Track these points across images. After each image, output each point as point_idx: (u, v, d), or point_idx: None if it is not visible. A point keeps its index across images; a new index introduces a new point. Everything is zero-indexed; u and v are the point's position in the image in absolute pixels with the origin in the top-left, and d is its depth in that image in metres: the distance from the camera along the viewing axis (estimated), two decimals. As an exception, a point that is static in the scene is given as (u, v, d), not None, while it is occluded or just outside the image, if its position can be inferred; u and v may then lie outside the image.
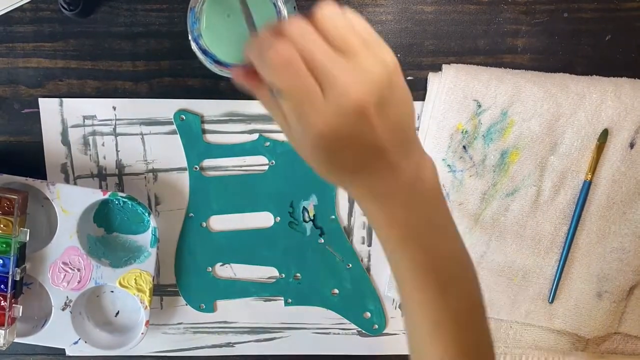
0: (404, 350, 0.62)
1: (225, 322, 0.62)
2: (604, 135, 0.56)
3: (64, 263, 0.57)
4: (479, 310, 0.39)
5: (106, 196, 0.56)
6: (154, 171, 0.60)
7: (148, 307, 0.58)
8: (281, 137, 0.59)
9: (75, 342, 0.58)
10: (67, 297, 0.58)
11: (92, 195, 0.56)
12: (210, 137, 0.59)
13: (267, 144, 0.59)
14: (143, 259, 0.58)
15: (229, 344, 0.62)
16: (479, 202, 0.58)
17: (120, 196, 0.56)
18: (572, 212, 0.58)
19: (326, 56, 0.31)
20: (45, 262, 0.57)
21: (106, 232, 0.61)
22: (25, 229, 0.55)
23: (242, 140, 0.59)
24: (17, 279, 0.55)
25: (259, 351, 0.63)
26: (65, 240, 0.57)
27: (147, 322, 0.58)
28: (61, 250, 0.57)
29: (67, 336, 0.58)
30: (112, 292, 0.62)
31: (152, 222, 0.58)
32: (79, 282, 0.58)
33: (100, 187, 0.60)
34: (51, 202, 0.56)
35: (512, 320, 0.60)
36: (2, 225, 0.54)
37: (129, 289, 0.58)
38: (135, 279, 0.58)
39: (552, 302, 0.59)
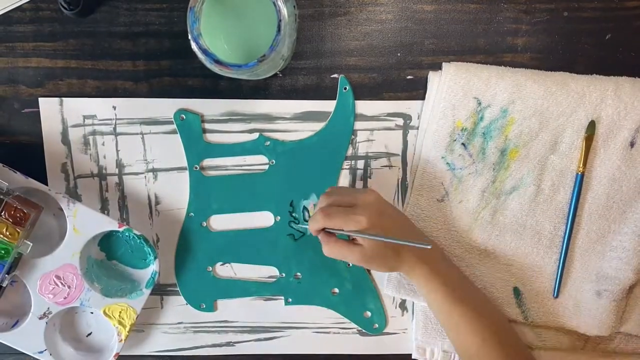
0: (404, 350, 0.62)
1: (225, 321, 0.62)
2: (592, 126, 0.56)
3: (57, 277, 0.57)
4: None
5: (120, 229, 0.56)
6: (154, 170, 0.60)
7: (123, 341, 0.58)
8: (281, 136, 0.59)
9: (41, 352, 0.58)
10: (49, 308, 0.57)
11: (107, 224, 0.56)
12: (210, 137, 0.59)
13: (267, 143, 0.59)
14: (135, 296, 0.58)
15: (229, 343, 0.62)
16: (478, 200, 0.58)
17: (135, 234, 0.57)
18: (569, 212, 0.58)
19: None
20: (38, 271, 0.57)
21: (107, 257, 0.61)
22: (29, 242, 0.55)
23: (242, 140, 0.59)
24: (4, 285, 0.55)
25: (259, 350, 0.63)
26: (66, 257, 0.57)
27: (117, 354, 0.58)
28: (58, 265, 0.57)
29: (35, 344, 0.58)
30: (91, 313, 0.62)
31: (155, 267, 0.58)
32: (65, 298, 0.57)
33: (108, 206, 0.60)
34: (65, 217, 0.56)
35: (512, 319, 0.60)
36: (7, 233, 0.54)
37: (111, 320, 0.58)
38: (120, 312, 0.58)
39: (557, 296, 0.59)
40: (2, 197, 0.53)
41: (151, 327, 0.62)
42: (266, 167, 0.60)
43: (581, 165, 0.56)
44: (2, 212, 0.53)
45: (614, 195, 0.57)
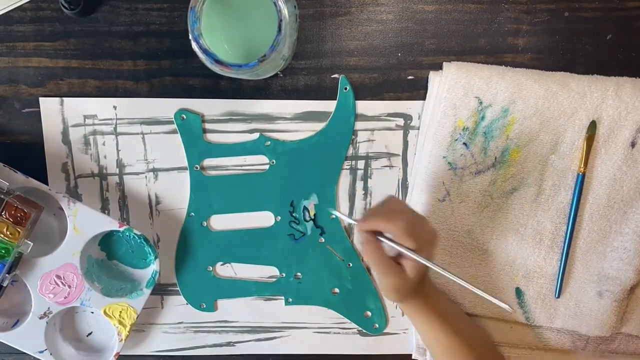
0: (404, 350, 0.62)
1: (225, 321, 0.62)
2: (593, 126, 0.56)
3: (58, 276, 0.57)
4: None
5: (121, 229, 0.56)
6: (155, 170, 0.60)
7: (123, 341, 0.58)
8: (282, 136, 0.59)
9: (41, 352, 0.58)
10: (49, 307, 0.57)
11: (107, 224, 0.56)
12: (210, 137, 0.59)
13: (268, 143, 0.59)
14: (135, 295, 0.58)
15: (229, 344, 0.62)
16: (479, 200, 0.58)
17: (135, 233, 0.57)
18: (571, 212, 0.58)
19: None
20: (39, 270, 0.57)
21: (107, 257, 0.61)
22: (29, 242, 0.55)
23: (243, 140, 0.59)
24: (4, 285, 0.55)
25: (259, 350, 0.63)
26: (67, 256, 0.57)
27: (117, 354, 0.58)
28: (59, 264, 0.57)
29: (36, 344, 0.58)
30: (92, 312, 0.61)
31: (156, 266, 0.58)
32: (65, 297, 0.57)
33: (109, 208, 0.60)
34: (66, 216, 0.56)
35: (513, 320, 0.60)
36: (8, 232, 0.54)
37: (111, 319, 0.58)
38: (120, 311, 0.58)
39: (558, 297, 0.59)
40: (2, 196, 0.53)
41: (151, 327, 0.62)
42: (267, 167, 0.60)
43: (582, 166, 0.56)
44: (2, 211, 0.53)
45: (615, 196, 0.57)
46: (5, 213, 0.54)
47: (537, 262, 0.59)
